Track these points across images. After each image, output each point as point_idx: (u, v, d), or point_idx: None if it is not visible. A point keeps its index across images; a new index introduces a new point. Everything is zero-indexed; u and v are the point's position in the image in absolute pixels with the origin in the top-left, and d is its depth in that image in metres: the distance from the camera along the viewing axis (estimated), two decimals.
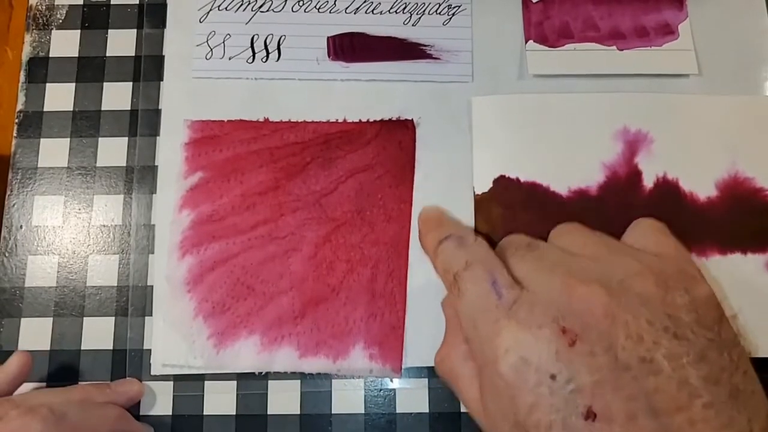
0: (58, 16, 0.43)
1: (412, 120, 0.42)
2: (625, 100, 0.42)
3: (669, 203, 0.40)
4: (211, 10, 0.43)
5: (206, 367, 0.38)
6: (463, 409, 0.38)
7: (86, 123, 0.42)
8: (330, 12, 0.43)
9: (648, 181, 0.40)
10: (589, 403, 0.26)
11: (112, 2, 0.43)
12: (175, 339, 0.38)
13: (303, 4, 0.44)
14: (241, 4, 0.43)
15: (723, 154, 0.41)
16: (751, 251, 0.39)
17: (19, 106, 0.42)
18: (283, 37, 0.43)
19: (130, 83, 0.42)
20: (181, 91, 0.42)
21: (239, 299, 0.39)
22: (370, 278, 0.39)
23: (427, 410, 0.38)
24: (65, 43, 0.43)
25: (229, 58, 0.43)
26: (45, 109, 0.42)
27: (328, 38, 0.43)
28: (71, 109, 0.42)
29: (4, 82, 0.43)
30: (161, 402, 0.38)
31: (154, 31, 0.43)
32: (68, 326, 0.39)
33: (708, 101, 0.42)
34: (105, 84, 0.42)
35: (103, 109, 0.42)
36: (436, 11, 0.43)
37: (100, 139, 0.42)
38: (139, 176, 0.41)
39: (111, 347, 0.39)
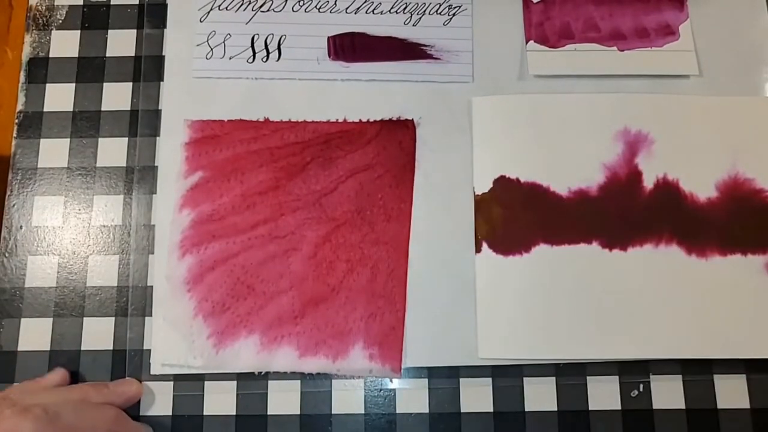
0: (58, 16, 0.43)
1: (412, 120, 0.42)
2: (626, 102, 0.41)
3: (669, 204, 0.40)
4: (211, 9, 0.43)
5: (206, 367, 0.38)
6: (463, 410, 0.38)
7: (86, 123, 0.42)
8: (330, 12, 0.43)
9: (648, 182, 0.40)
10: None
11: (112, 2, 0.44)
12: (175, 338, 0.38)
13: (303, 4, 0.44)
14: (242, 4, 0.43)
15: (723, 155, 0.41)
16: (751, 252, 0.39)
17: (19, 107, 0.42)
18: (283, 37, 0.43)
19: (130, 83, 0.42)
20: (182, 91, 0.42)
21: (239, 299, 0.39)
22: (370, 278, 0.39)
23: (427, 410, 0.38)
24: (65, 44, 0.43)
25: (230, 58, 0.43)
26: (45, 110, 0.42)
27: (328, 38, 0.43)
28: (71, 110, 0.42)
29: (4, 82, 0.43)
30: (161, 402, 0.38)
31: (154, 31, 0.43)
32: (68, 326, 0.39)
33: (708, 102, 0.42)
34: (105, 84, 0.42)
35: (103, 109, 0.42)
36: (436, 11, 0.43)
37: (100, 139, 0.42)
38: (139, 176, 0.41)
39: (111, 347, 0.39)
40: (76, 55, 0.43)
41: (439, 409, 0.38)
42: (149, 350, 0.39)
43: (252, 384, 0.38)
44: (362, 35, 0.43)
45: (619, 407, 0.38)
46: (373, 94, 0.42)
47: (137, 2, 0.44)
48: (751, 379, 0.38)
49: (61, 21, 0.43)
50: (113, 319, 0.39)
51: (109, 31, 0.43)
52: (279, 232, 0.40)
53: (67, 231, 0.41)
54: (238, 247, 0.40)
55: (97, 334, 0.39)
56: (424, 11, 0.43)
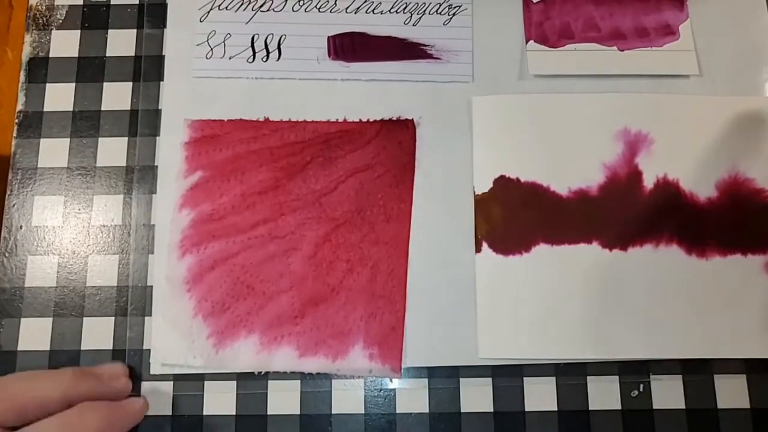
0: (58, 16, 0.43)
1: (412, 120, 0.42)
2: (626, 101, 0.41)
3: (669, 204, 0.40)
4: (211, 9, 0.43)
5: (205, 367, 0.38)
6: (463, 410, 0.38)
7: (86, 123, 0.42)
8: (330, 12, 0.43)
9: (648, 182, 0.40)
10: None
11: (112, 2, 0.43)
12: (175, 338, 0.38)
13: (303, 4, 0.44)
14: (242, 4, 0.43)
15: (723, 155, 0.41)
16: (751, 252, 0.39)
17: (19, 106, 0.42)
18: (283, 37, 0.43)
19: (130, 83, 0.42)
20: (181, 91, 0.42)
21: (239, 298, 0.39)
22: (370, 278, 0.39)
23: (427, 410, 0.38)
24: (65, 43, 0.43)
25: (230, 58, 0.43)
26: (45, 109, 0.42)
27: (328, 38, 0.43)
28: (71, 109, 0.42)
29: (4, 82, 0.43)
30: (161, 402, 0.38)
31: (154, 31, 0.43)
32: (68, 326, 0.39)
33: (708, 102, 0.42)
34: (105, 84, 0.42)
35: (103, 109, 0.42)
36: (436, 11, 0.43)
37: (100, 139, 0.42)
38: (139, 176, 0.41)
39: (111, 347, 0.39)
40: (76, 55, 0.43)
41: (439, 409, 0.38)
42: (149, 350, 0.39)
43: (252, 384, 0.38)
44: (362, 35, 0.43)
45: (619, 407, 0.38)
46: (373, 94, 0.42)
47: (137, 2, 0.43)
48: (751, 379, 0.38)
49: (61, 21, 0.43)
50: (113, 318, 0.39)
51: (109, 31, 0.43)
52: (279, 231, 0.40)
53: (67, 231, 0.41)
54: (237, 247, 0.40)
55: (97, 333, 0.39)
56: (424, 11, 0.43)
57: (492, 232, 0.39)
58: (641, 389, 0.38)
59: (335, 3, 0.43)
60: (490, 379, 0.38)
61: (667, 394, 0.38)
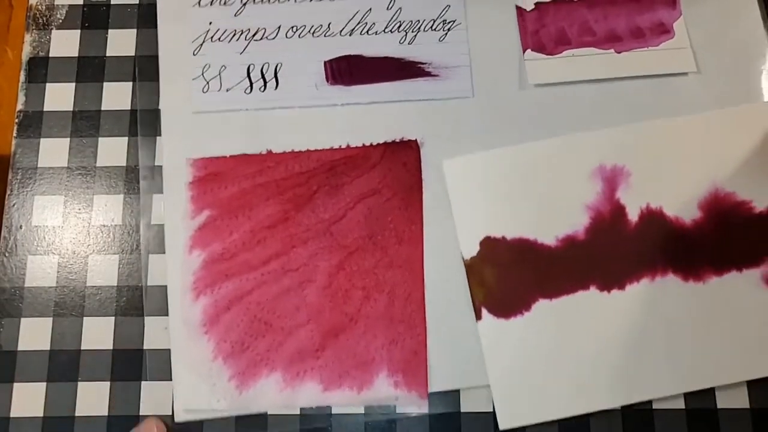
0: (58, 16, 0.43)
1: (415, 140, 0.41)
2: (597, 138, 0.41)
3: (656, 232, 0.39)
4: (204, 42, 0.43)
5: (230, 410, 0.37)
6: (463, 410, 0.38)
7: (86, 123, 0.42)
8: (325, 36, 0.43)
9: (632, 215, 0.40)
10: None
11: (112, 2, 0.43)
12: (196, 382, 0.38)
13: (297, 30, 0.43)
14: (234, 34, 0.43)
15: (701, 173, 0.40)
16: (745, 267, 0.39)
17: (19, 106, 0.42)
18: (279, 65, 0.43)
19: (130, 83, 0.42)
20: (181, 128, 0.42)
21: (257, 336, 0.38)
22: (388, 304, 0.39)
23: (426, 410, 0.38)
24: (65, 43, 0.43)
25: (227, 90, 0.42)
26: (45, 109, 0.42)
27: (324, 63, 0.43)
28: (71, 109, 0.42)
29: (4, 82, 0.44)
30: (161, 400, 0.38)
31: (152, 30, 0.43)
32: (68, 326, 0.39)
33: (679, 123, 0.41)
34: (105, 84, 0.42)
35: (103, 109, 0.42)
36: (431, 28, 0.43)
37: (100, 139, 0.42)
38: (144, 174, 0.41)
39: (111, 347, 0.39)
40: (76, 55, 0.43)
41: (438, 409, 0.38)
42: (149, 350, 0.39)
43: None
44: (358, 58, 0.43)
45: (619, 407, 0.38)
46: (374, 117, 0.42)
47: (137, 2, 0.43)
48: (752, 380, 0.38)
49: (61, 21, 0.43)
50: (113, 318, 0.39)
51: (109, 30, 0.43)
52: (291, 264, 0.40)
53: (67, 231, 0.40)
54: (251, 284, 0.39)
55: (97, 333, 0.39)
56: (419, 28, 0.43)
57: (489, 297, 0.39)
58: None
59: (329, 27, 0.43)
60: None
61: None
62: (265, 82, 0.42)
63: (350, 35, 0.43)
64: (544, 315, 0.38)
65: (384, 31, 0.43)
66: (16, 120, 0.42)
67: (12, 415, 0.37)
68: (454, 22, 0.43)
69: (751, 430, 0.37)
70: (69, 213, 0.41)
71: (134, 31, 0.43)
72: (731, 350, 0.38)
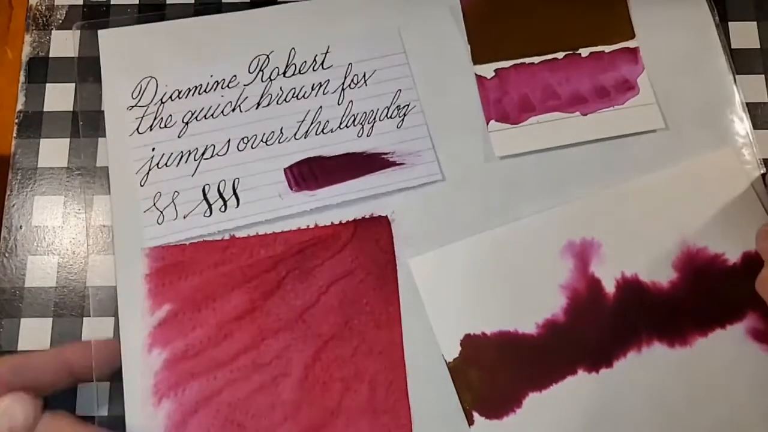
0: (58, 16, 0.43)
1: (386, 216, 0.40)
2: (561, 214, 0.40)
3: (636, 301, 0.39)
4: (150, 170, 0.40)
5: None
6: None
7: (86, 123, 0.41)
8: (279, 142, 0.40)
9: (609, 287, 0.39)
10: None
11: (112, 2, 0.43)
12: None
13: (248, 141, 0.40)
14: (181, 156, 0.40)
15: (671, 232, 0.40)
16: (728, 323, 0.39)
17: (19, 106, 0.42)
18: (237, 181, 0.40)
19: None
20: (135, 222, 0.39)
21: None
22: (369, 394, 0.37)
23: None
24: (65, 43, 0.43)
25: (184, 217, 0.39)
26: (45, 110, 0.42)
27: (285, 170, 0.40)
28: (71, 109, 0.42)
29: (4, 82, 0.43)
30: None
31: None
32: (68, 326, 0.38)
33: (643, 183, 0.41)
34: (105, 84, 0.42)
35: (103, 109, 0.41)
36: (386, 116, 0.41)
37: (100, 139, 0.41)
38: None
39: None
40: (76, 55, 0.42)
41: None
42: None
43: None
44: (319, 159, 0.40)
45: None
46: (342, 209, 0.40)
47: (137, 2, 0.43)
48: None
49: (61, 21, 0.43)
50: (113, 318, 0.38)
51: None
52: (263, 358, 0.37)
53: (67, 231, 0.40)
54: (220, 383, 0.36)
55: (97, 334, 0.38)
56: (374, 119, 0.41)
57: (479, 400, 0.37)
58: None
59: (281, 132, 0.41)
60: None
61: None
62: (225, 202, 0.39)
63: (305, 137, 0.41)
64: (536, 409, 0.37)
65: (339, 127, 0.41)
66: (16, 120, 0.42)
67: None
68: (408, 106, 0.42)
69: None
70: (69, 213, 0.40)
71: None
72: (725, 411, 0.37)
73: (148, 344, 0.37)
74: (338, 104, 0.41)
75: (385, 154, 0.41)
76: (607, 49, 0.44)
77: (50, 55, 0.43)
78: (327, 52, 0.42)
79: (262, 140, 0.40)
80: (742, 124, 0.43)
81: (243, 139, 0.40)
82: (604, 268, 0.39)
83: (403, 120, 0.41)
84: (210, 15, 0.43)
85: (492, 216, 0.40)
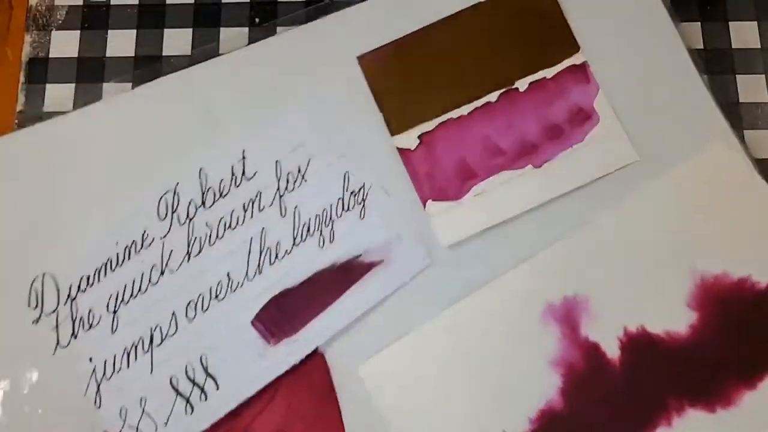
0: (58, 16, 0.43)
1: (315, 348, 0.33)
2: (529, 272, 0.33)
3: (650, 361, 0.31)
4: (99, 385, 0.33)
5: None
6: None
7: None
8: (233, 291, 0.34)
9: (611, 350, 0.32)
10: None
11: (112, 2, 0.43)
12: None
13: (195, 303, 0.34)
14: (128, 355, 0.33)
15: (674, 261, 0.32)
16: None
17: (19, 106, 0.41)
18: (204, 358, 0.33)
19: (130, 83, 0.40)
20: None
21: None
22: None
23: None
24: (65, 44, 0.42)
25: (165, 424, 0.32)
26: (45, 110, 0.41)
27: (252, 323, 0.33)
28: (71, 110, 0.40)
29: (4, 82, 0.43)
30: None
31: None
32: None
33: (624, 213, 0.33)
34: (105, 84, 0.41)
35: None
36: (343, 209, 0.35)
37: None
38: None
39: None
40: (76, 55, 0.42)
41: None
42: None
43: None
44: (286, 294, 0.33)
45: None
46: None
47: (137, 2, 0.42)
48: None
49: (61, 21, 0.43)
50: None
51: (109, 31, 0.42)
52: None
53: None
54: None
55: None
56: (330, 218, 0.34)
57: None
58: None
59: (229, 278, 0.34)
60: None
61: None
62: (202, 388, 0.33)
63: (260, 273, 0.34)
64: None
65: (295, 244, 0.34)
66: (16, 120, 0.41)
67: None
68: (363, 188, 0.35)
69: None
70: None
71: (134, 31, 0.42)
72: None
73: None
74: (282, 217, 0.34)
75: (358, 257, 0.34)
76: (549, 73, 0.36)
77: (50, 55, 0.42)
78: (243, 158, 0.35)
79: (212, 297, 0.34)
80: (721, 123, 0.35)
81: (189, 305, 0.34)
82: (599, 328, 0.32)
83: (363, 207, 0.34)
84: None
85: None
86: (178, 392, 0.33)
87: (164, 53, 0.41)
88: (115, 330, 0.33)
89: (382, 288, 0.33)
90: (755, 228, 0.32)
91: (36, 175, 0.36)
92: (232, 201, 0.35)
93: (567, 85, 0.35)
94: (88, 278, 0.34)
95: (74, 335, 0.33)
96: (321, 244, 0.34)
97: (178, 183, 0.35)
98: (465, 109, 0.35)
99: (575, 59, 0.35)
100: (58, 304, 0.33)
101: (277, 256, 0.34)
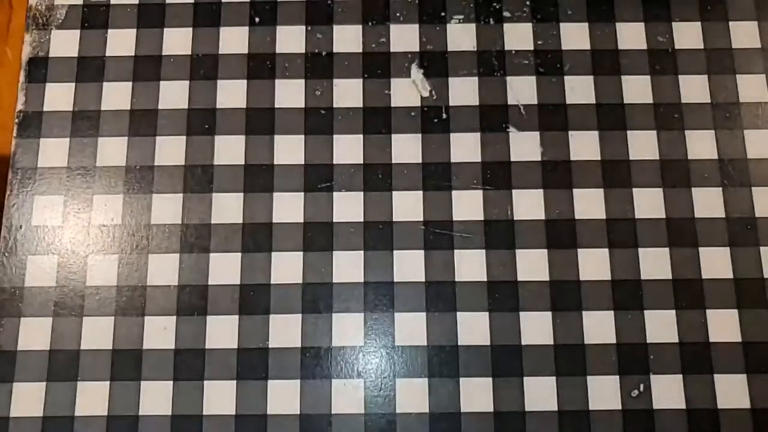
0: (58, 16, 0.43)
1: None
2: None
3: None
4: None
5: None
6: (463, 409, 0.35)
7: (86, 123, 0.41)
8: None
9: None
10: None
11: (112, 2, 0.43)
12: None
13: None
14: None
15: None
16: None
17: (19, 106, 0.42)
18: None
19: (130, 83, 0.41)
20: None
21: None
22: None
23: (427, 410, 0.36)
24: (65, 43, 0.42)
25: None
26: (45, 109, 0.42)
27: None
28: (71, 109, 0.41)
29: (4, 82, 0.45)
30: (159, 400, 0.36)
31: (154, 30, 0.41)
32: (68, 326, 0.38)
33: None
34: (105, 84, 0.42)
35: (103, 109, 0.41)
36: None
37: (99, 139, 0.41)
38: (139, 176, 0.39)
39: (111, 347, 0.38)
40: (76, 55, 0.42)
41: (439, 409, 0.36)
42: (149, 350, 0.37)
43: (252, 383, 0.36)
44: None
45: (619, 407, 0.36)
46: None
47: (137, 2, 0.43)
48: (751, 379, 0.36)
49: (61, 21, 0.43)
50: (113, 318, 0.38)
51: (109, 30, 0.42)
52: None
53: (67, 230, 0.40)
54: None
55: (97, 333, 0.38)
56: None
57: None
58: (641, 389, 0.37)
59: None
60: (490, 380, 0.36)
61: (667, 394, 0.37)
62: None
63: None
64: None
65: None
66: (16, 120, 0.41)
67: (12, 414, 0.37)
68: None
69: (751, 430, 0.36)
70: (69, 213, 0.40)
71: (134, 31, 0.42)
72: None
73: None
74: None
75: None
76: None
77: (50, 55, 0.42)
78: None
79: None
80: None
81: None
82: None
83: None
84: None
85: None
86: None
87: (164, 53, 0.41)
88: None
89: None
90: None
91: None
92: None
93: None
94: None
95: None
96: None
97: None
98: None
99: None
100: None
101: None
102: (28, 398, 0.36)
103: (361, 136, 0.39)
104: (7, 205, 0.40)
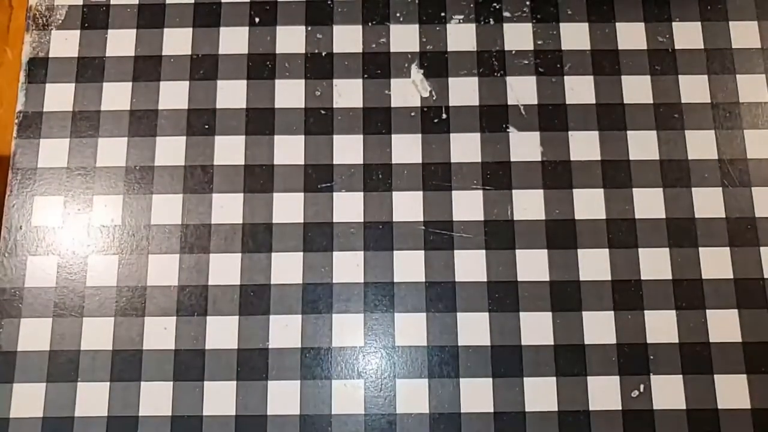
0: (58, 16, 0.43)
1: None
2: None
3: None
4: None
5: None
6: (463, 410, 0.36)
7: (86, 123, 0.41)
8: None
9: None
10: None
11: (112, 2, 0.43)
12: None
13: None
14: None
15: None
16: None
17: (19, 106, 0.42)
18: None
19: (130, 83, 0.42)
20: None
21: None
22: None
23: (427, 410, 0.36)
24: (65, 43, 0.43)
25: None
26: (45, 109, 0.42)
27: None
28: (71, 109, 0.42)
29: (4, 82, 0.45)
30: (160, 401, 0.36)
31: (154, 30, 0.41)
32: (68, 326, 0.38)
33: None
34: (105, 84, 0.42)
35: (102, 109, 0.41)
36: None
37: (99, 139, 0.41)
38: (139, 176, 0.39)
39: (111, 348, 0.38)
40: (76, 55, 0.42)
41: (439, 409, 0.36)
42: (149, 350, 0.37)
43: (252, 384, 0.36)
44: None
45: (619, 407, 0.36)
46: None
47: (137, 2, 0.43)
48: (751, 379, 0.37)
49: (61, 21, 0.43)
50: (113, 319, 0.38)
51: (109, 30, 0.43)
52: None
53: (67, 231, 0.40)
54: None
55: (97, 334, 0.38)
56: None
57: None
58: (641, 389, 0.37)
59: None
60: (490, 380, 0.37)
61: (667, 394, 0.36)
62: None
63: None
64: None
65: None
66: (16, 120, 0.41)
67: (12, 415, 0.37)
68: None
69: (751, 430, 0.36)
70: (69, 213, 0.40)
71: (134, 31, 0.42)
72: None
73: None
74: None
75: None
76: None
77: (50, 55, 0.42)
78: None
79: None
80: None
81: None
82: None
83: None
84: None
85: None
86: None
87: (164, 53, 0.41)
88: None
89: None
90: None
91: None
92: None
93: None
94: None
95: None
96: None
97: None
98: None
99: None
100: None
101: None
102: (28, 399, 0.37)
103: (361, 136, 0.39)
104: (7, 206, 0.40)
